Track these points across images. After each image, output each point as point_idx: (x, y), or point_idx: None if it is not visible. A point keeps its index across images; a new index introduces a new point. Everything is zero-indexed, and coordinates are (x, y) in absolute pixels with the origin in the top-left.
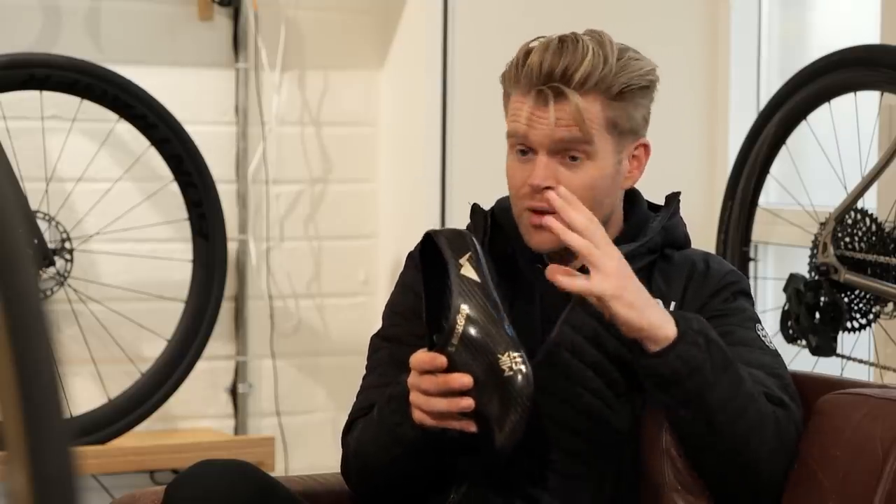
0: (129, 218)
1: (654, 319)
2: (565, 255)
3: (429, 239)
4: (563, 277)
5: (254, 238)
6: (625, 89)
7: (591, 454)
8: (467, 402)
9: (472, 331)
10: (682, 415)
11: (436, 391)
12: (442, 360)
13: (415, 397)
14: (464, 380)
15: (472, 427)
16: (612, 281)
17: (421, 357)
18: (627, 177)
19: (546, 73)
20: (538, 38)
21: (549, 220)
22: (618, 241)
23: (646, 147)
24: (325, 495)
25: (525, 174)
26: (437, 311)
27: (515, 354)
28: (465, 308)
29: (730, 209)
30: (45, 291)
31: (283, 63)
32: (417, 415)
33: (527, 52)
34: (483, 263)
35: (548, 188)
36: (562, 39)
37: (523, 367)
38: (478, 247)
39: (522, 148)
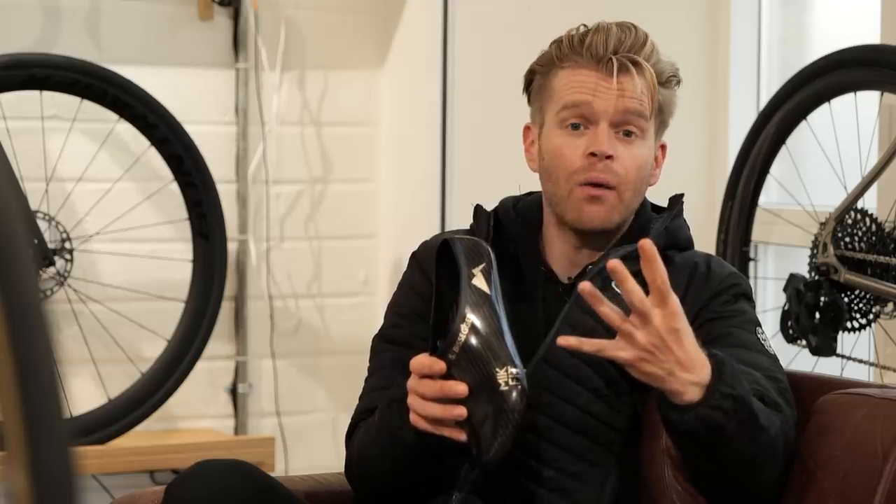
0: (129, 218)
1: (673, 388)
2: (600, 242)
3: (445, 245)
4: (574, 340)
5: (254, 238)
6: (670, 77)
7: (591, 453)
8: (460, 411)
9: (474, 341)
10: (693, 458)
11: (432, 396)
12: (441, 365)
13: (412, 400)
14: (459, 388)
15: (462, 436)
16: (633, 352)
17: (421, 361)
18: (652, 174)
19: (613, 48)
20: (580, 25)
21: (615, 264)
22: (621, 242)
23: (664, 148)
24: (326, 495)
25: (581, 146)
26: (444, 316)
27: (514, 370)
28: (470, 318)
29: (730, 209)
30: (45, 291)
31: (283, 63)
32: (413, 417)
33: (584, 33)
34: (495, 277)
35: (609, 157)
36: (619, 24)
37: (519, 384)
38: (493, 260)
39: (577, 121)
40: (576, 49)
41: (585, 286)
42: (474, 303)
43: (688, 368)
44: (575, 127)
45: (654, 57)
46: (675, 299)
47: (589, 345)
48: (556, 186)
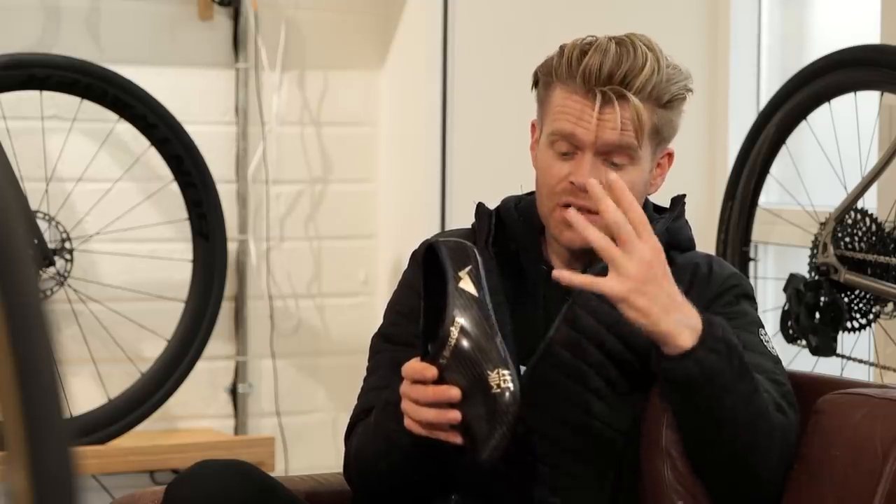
0: (129, 218)
1: (668, 328)
2: (593, 255)
3: (431, 249)
4: (564, 273)
5: (254, 238)
6: (673, 98)
7: (591, 453)
8: (454, 415)
9: (465, 344)
10: (692, 419)
11: (425, 401)
12: (432, 371)
13: (405, 405)
14: (451, 393)
15: (457, 439)
16: (625, 284)
17: (412, 366)
18: (652, 183)
19: (606, 75)
20: (588, 36)
21: (571, 214)
22: None
23: (670, 156)
24: (326, 495)
25: (564, 171)
26: (434, 320)
27: (505, 372)
28: (459, 321)
29: (730, 209)
30: (45, 291)
31: (283, 63)
32: (407, 422)
33: (582, 51)
34: (483, 278)
35: None
36: (618, 42)
37: (511, 386)
38: (479, 261)
39: (566, 148)
40: (572, 70)
41: (562, 275)
42: (463, 306)
43: (679, 307)
44: (564, 154)
45: (653, 80)
46: (648, 229)
47: (580, 279)
48: (541, 202)
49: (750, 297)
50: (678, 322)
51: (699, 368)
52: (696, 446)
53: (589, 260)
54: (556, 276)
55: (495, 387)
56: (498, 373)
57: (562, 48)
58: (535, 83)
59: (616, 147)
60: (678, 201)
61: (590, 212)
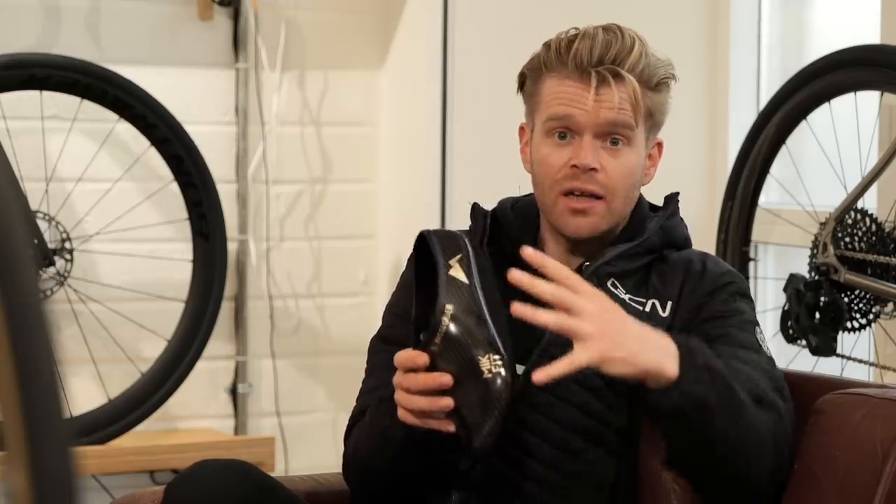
0: (129, 218)
1: (651, 364)
2: (591, 250)
3: (422, 239)
4: (544, 372)
5: (254, 238)
6: (661, 81)
7: (590, 453)
8: (446, 402)
9: (455, 330)
10: (683, 445)
11: (416, 389)
12: (423, 358)
13: (398, 395)
14: (442, 379)
15: (450, 427)
16: (595, 345)
17: (404, 355)
18: (646, 174)
19: (598, 57)
20: (570, 28)
21: (517, 308)
22: (616, 241)
23: (660, 146)
24: (326, 495)
25: (565, 157)
26: (426, 310)
27: (496, 357)
28: (450, 308)
29: (730, 209)
30: (45, 291)
31: (283, 63)
32: (401, 412)
33: (570, 40)
34: (473, 267)
35: (593, 170)
36: (605, 29)
37: (502, 371)
38: (470, 250)
39: (563, 131)
40: (561, 58)
41: (538, 376)
42: (453, 293)
43: (651, 338)
44: (561, 137)
45: (642, 62)
46: (584, 282)
47: (557, 367)
48: (543, 195)
49: (745, 295)
50: (658, 352)
51: (686, 400)
52: (690, 468)
53: (587, 255)
54: (536, 379)
55: (486, 372)
56: (489, 358)
57: (546, 43)
58: (522, 84)
59: (614, 126)
60: (672, 199)
61: (593, 195)
